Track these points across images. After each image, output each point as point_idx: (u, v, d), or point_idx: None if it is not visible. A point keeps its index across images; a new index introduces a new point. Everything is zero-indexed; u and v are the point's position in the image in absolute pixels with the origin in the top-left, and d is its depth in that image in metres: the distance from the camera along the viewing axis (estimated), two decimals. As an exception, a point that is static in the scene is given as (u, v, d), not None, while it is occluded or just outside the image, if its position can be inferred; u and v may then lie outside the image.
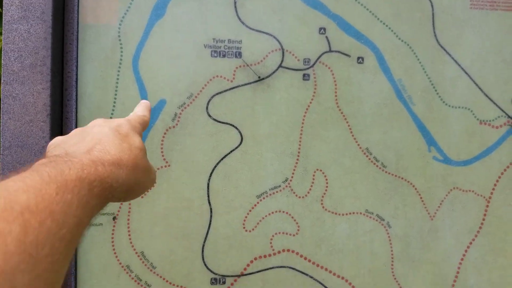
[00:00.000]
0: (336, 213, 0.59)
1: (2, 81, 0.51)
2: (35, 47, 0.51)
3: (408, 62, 0.59)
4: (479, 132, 0.60)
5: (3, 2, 0.50)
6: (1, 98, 0.51)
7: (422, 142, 0.60)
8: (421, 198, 0.60)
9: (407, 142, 0.59)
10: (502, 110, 0.60)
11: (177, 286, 0.56)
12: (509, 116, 0.60)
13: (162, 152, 0.56)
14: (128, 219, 0.56)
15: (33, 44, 0.51)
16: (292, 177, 0.58)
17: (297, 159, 0.58)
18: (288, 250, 0.58)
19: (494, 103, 0.60)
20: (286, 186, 0.58)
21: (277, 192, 0.58)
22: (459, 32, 0.60)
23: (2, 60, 0.51)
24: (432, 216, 0.60)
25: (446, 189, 0.60)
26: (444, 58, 0.60)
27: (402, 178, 0.60)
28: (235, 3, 0.57)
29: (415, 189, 0.60)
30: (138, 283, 0.56)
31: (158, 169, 0.56)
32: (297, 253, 0.58)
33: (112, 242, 0.56)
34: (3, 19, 0.51)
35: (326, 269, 0.59)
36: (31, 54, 0.51)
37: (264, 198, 0.58)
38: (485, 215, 0.61)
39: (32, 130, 0.52)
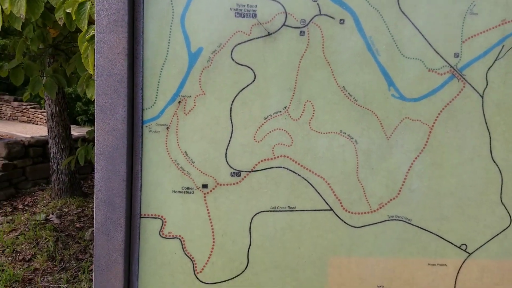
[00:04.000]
0: (319, 132, 0.84)
1: (96, 31, 0.77)
2: (117, 8, 0.76)
3: (377, 24, 0.80)
4: (428, 77, 0.82)
5: (96, -24, 0.74)
6: (95, 43, 0.77)
7: (384, 83, 0.82)
8: (381, 124, 0.84)
9: (373, 83, 0.82)
10: (446, 61, 0.81)
11: (208, 175, 0.85)
12: (451, 66, 0.81)
13: (200, 84, 0.81)
14: (177, 129, 0.83)
15: (115, 5, 0.76)
16: (289, 105, 0.83)
17: (293, 93, 0.82)
18: (285, 156, 0.85)
19: (440, 56, 0.81)
20: (285, 112, 0.83)
21: (278, 115, 0.83)
22: (416, 2, 0.80)
23: (95, 17, 0.76)
24: (389, 137, 0.85)
25: (400, 118, 0.84)
26: (404, 21, 0.80)
27: (368, 109, 0.83)
28: (253, -24, 0.78)
29: (377, 117, 0.84)
30: (182, 172, 0.84)
31: (197, 96, 0.82)
32: (291, 159, 0.85)
33: (166, 144, 0.84)
34: (96, -12, 0.75)
35: (310, 170, 0.85)
36: (114, 13, 0.76)
37: (269, 119, 0.83)
38: (428, 138, 0.85)
39: (116, 65, 0.78)
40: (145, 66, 0.80)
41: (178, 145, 0.84)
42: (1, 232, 3.42)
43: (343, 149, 0.85)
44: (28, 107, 10.94)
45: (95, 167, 0.84)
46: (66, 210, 4.06)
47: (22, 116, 11.13)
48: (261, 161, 0.85)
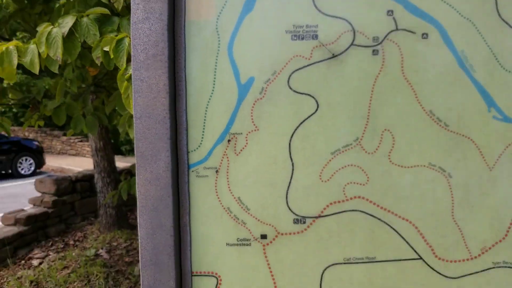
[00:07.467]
0: (402, 166, 0.69)
1: (132, 68, 0.67)
2: (155, 41, 0.66)
3: (470, 35, 0.65)
4: (540, 91, 0.65)
5: (131, 7, 0.65)
6: (133, 81, 0.68)
7: (483, 104, 0.66)
8: (480, 152, 0.67)
9: (468, 104, 0.66)
10: None
11: (267, 224, 0.71)
12: None
13: (252, 119, 0.69)
14: (227, 172, 0.71)
15: (154, 38, 0.66)
16: (362, 136, 0.68)
17: (367, 121, 0.68)
18: (360, 197, 0.70)
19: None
20: (357, 144, 0.69)
21: (348, 149, 0.69)
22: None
23: (132, 52, 0.67)
24: (491, 167, 0.67)
25: (505, 143, 0.67)
26: (506, 30, 0.64)
27: (463, 135, 0.67)
28: (309, -11, 0.66)
29: (476, 144, 0.67)
30: (236, 221, 0.71)
31: (249, 133, 0.70)
32: (367, 199, 0.70)
33: (216, 189, 0.72)
34: (131, 21, 0.66)
35: (392, 213, 0.70)
36: (152, 46, 0.66)
37: (337, 154, 0.69)
38: (543, 166, 0.67)
39: (156, 104, 0.68)
40: (188, 103, 0.69)
41: (230, 190, 0.71)
42: (54, 270, 3.45)
43: (433, 185, 0.69)
44: (76, 140, 11.47)
45: (138, 221, 0.73)
46: (115, 243, 4.06)
47: (70, 149, 11.68)
48: (330, 204, 0.70)
